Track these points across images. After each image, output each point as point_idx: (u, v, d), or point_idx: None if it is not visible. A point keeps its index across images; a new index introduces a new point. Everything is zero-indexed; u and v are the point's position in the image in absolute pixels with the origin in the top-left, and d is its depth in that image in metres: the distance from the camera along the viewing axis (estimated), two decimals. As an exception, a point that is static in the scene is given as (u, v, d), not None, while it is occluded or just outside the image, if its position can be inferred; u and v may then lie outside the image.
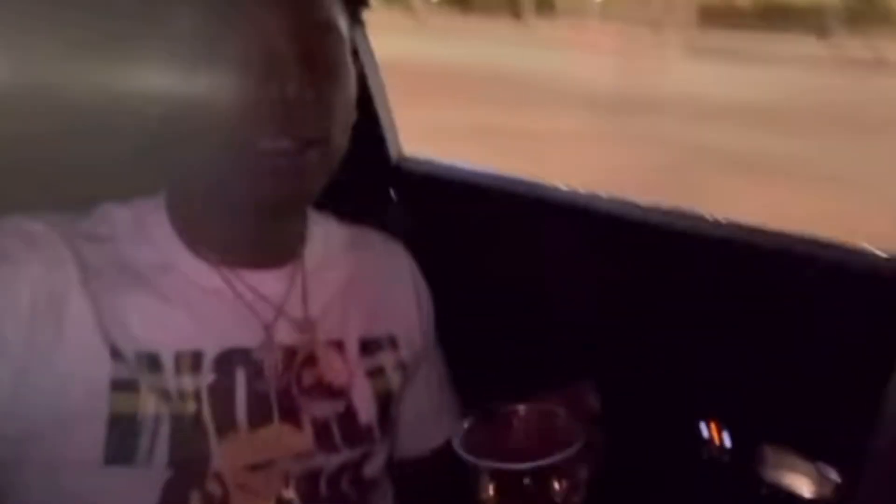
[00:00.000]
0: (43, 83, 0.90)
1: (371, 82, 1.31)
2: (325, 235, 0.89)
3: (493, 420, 0.73)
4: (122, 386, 0.72)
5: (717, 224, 1.02)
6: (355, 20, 0.84)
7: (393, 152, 1.36)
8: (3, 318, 0.70)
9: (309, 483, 0.79)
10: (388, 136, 1.35)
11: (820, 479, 0.85)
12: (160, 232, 0.79)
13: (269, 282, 0.82)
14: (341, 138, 0.77)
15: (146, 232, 0.79)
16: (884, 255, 0.90)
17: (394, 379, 0.88)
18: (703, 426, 0.95)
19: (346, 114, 0.78)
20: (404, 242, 0.97)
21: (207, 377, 0.75)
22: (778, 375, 0.91)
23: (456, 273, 1.04)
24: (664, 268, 1.01)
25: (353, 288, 0.88)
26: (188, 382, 0.74)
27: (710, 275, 0.98)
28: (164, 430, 0.72)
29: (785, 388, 0.90)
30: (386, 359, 0.88)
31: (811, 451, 0.88)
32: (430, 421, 0.98)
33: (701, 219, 1.04)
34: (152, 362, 0.74)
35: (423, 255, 0.97)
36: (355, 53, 0.81)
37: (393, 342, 0.89)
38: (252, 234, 0.81)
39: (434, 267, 0.97)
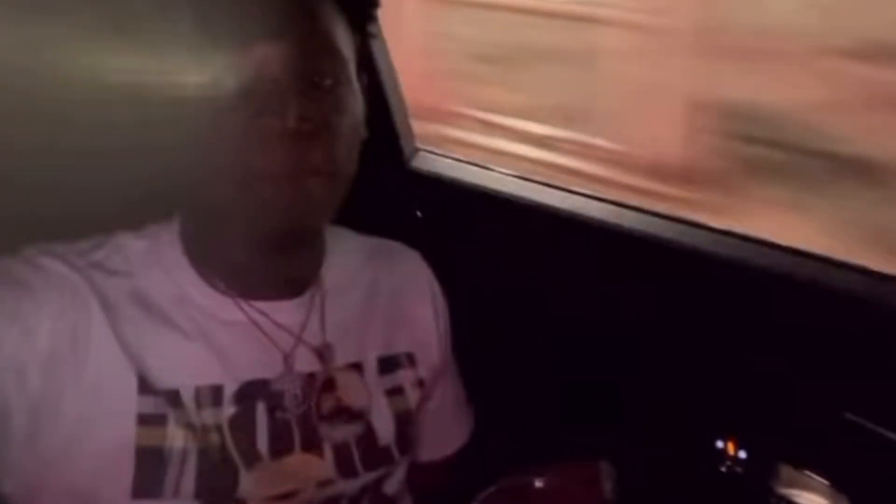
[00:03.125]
0: (50, 113, 0.91)
1: (387, 90, 1.30)
2: (343, 253, 0.88)
3: (508, 492, 0.73)
4: (148, 420, 0.72)
5: (739, 243, 1.00)
6: (366, 35, 0.83)
7: (410, 160, 1.36)
8: (21, 350, 0.69)
9: None
10: (405, 144, 1.34)
11: (834, 500, 0.85)
12: (175, 264, 0.79)
13: (288, 311, 0.81)
14: (347, 165, 0.75)
15: (162, 265, 0.79)
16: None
17: (412, 397, 0.88)
18: (719, 443, 0.95)
19: (350, 138, 0.76)
20: (422, 252, 0.96)
21: (228, 410, 0.75)
22: (795, 393, 0.91)
23: (470, 284, 1.04)
24: (684, 286, 1.01)
25: (371, 305, 0.88)
26: (209, 416, 0.75)
27: (730, 294, 0.97)
28: (191, 463, 0.72)
29: (803, 406, 0.89)
30: (404, 377, 0.88)
31: (825, 471, 0.87)
32: (444, 429, 0.99)
33: (719, 237, 1.03)
34: (173, 397, 0.74)
35: (438, 266, 0.96)
36: (363, 66, 0.79)
37: (411, 360, 0.90)
38: (265, 264, 0.80)
39: (449, 278, 0.96)
